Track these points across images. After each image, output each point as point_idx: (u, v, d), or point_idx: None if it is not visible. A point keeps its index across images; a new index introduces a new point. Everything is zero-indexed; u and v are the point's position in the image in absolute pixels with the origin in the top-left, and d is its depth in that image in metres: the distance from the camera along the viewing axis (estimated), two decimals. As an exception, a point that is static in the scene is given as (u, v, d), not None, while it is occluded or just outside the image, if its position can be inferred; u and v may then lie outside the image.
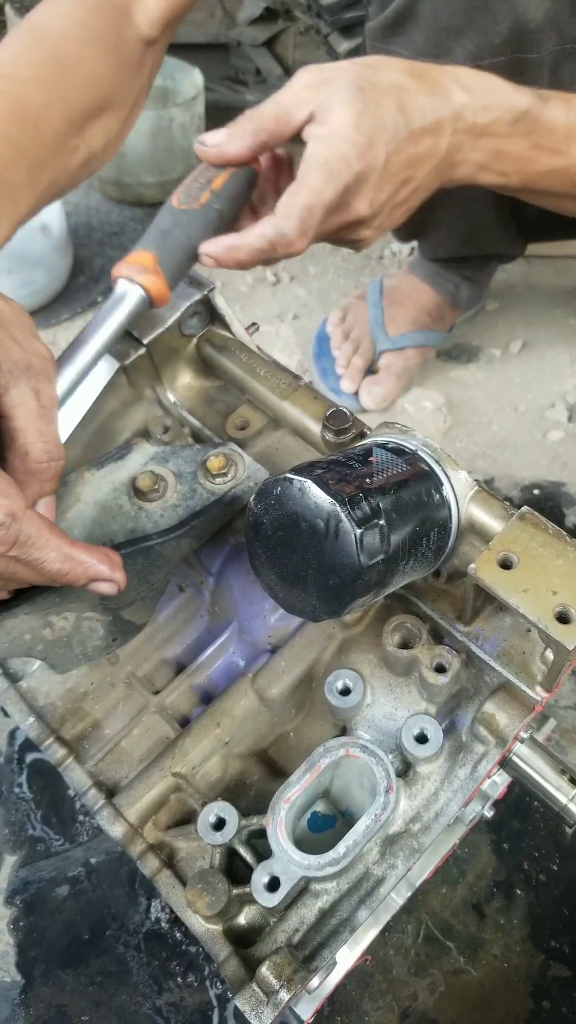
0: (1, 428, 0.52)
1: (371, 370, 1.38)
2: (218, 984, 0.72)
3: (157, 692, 0.68)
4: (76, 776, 0.63)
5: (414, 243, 1.70)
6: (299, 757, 0.64)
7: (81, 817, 0.82)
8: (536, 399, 1.41)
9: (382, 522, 0.51)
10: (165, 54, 0.86)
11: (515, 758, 0.64)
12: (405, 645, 0.60)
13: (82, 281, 1.52)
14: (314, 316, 1.53)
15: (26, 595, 0.56)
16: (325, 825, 0.63)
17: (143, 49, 0.79)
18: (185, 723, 0.66)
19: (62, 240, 1.42)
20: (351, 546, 0.49)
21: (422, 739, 0.58)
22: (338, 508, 0.49)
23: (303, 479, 0.50)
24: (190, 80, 1.68)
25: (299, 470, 0.51)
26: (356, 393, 1.36)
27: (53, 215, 1.38)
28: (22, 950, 0.74)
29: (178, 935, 0.74)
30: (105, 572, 0.53)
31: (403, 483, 0.54)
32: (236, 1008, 0.73)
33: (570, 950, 0.78)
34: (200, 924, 0.56)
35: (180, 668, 0.70)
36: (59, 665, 0.63)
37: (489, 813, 0.78)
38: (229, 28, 2.23)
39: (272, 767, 0.65)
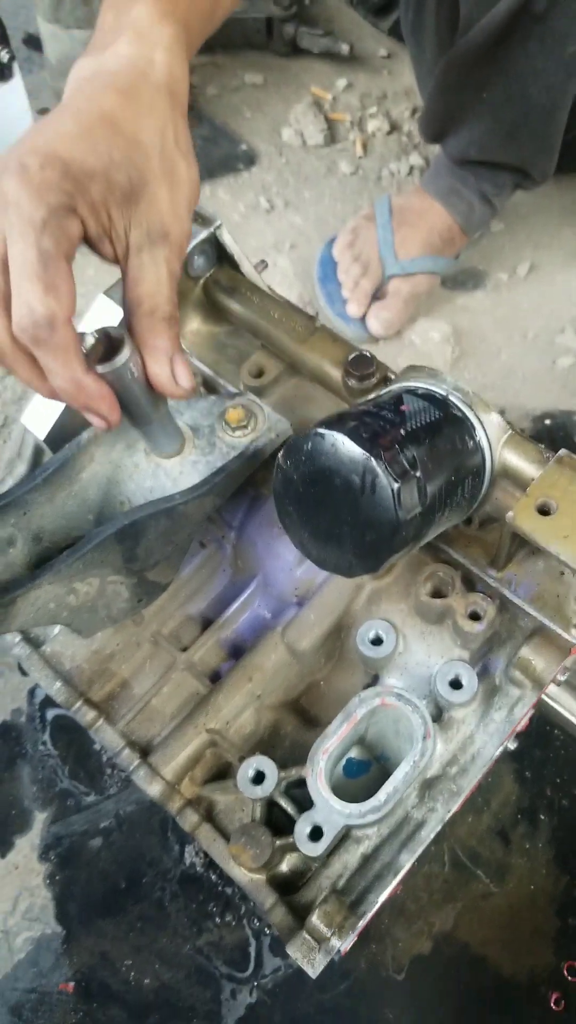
0: (127, 285, 0.54)
1: (376, 296, 1.33)
2: (255, 921, 0.74)
3: (184, 649, 0.67)
4: (108, 737, 0.63)
5: (415, 165, 1.63)
6: (331, 705, 0.64)
7: (109, 770, 0.83)
8: (546, 324, 1.37)
9: (418, 473, 0.49)
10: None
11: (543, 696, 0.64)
12: (438, 594, 0.59)
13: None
14: (312, 245, 1.47)
15: (49, 565, 0.55)
16: (360, 771, 0.63)
17: None
18: (215, 678, 0.66)
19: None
20: (388, 501, 0.47)
21: (456, 685, 0.58)
22: (373, 462, 0.47)
23: (335, 433, 0.48)
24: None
25: (329, 423, 0.49)
26: (363, 319, 1.32)
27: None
28: (60, 902, 0.76)
29: (213, 877, 0.76)
30: (103, 409, 0.51)
31: (436, 431, 0.52)
32: (272, 940, 0.75)
33: (594, 872, 0.81)
34: (244, 875, 0.57)
35: (205, 623, 0.69)
36: (84, 629, 0.62)
37: (513, 745, 0.79)
38: None
39: (304, 716, 0.65)
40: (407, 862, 0.55)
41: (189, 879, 0.76)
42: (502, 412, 1.27)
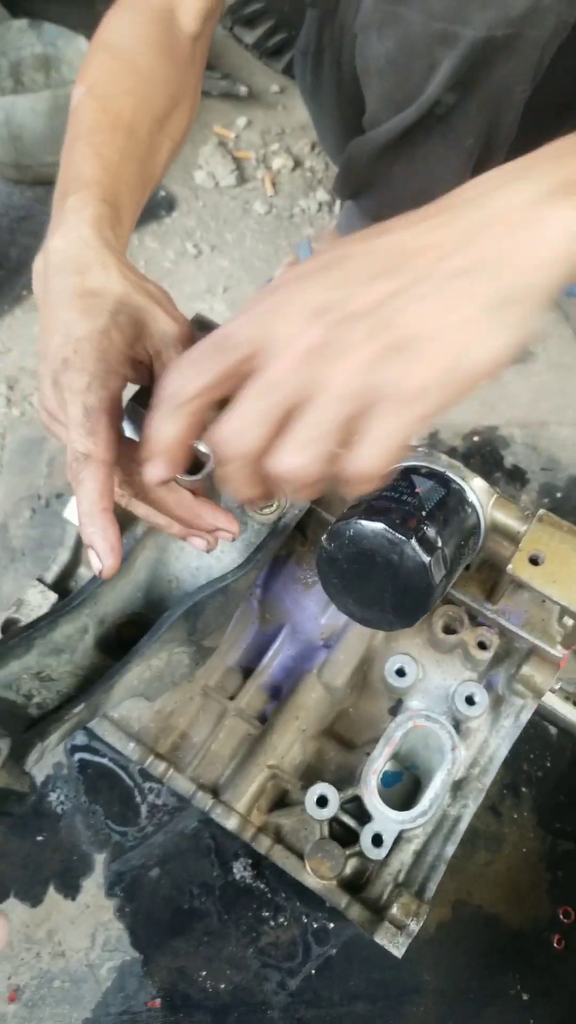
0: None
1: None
2: (303, 918, 0.86)
3: (231, 697, 0.77)
4: (181, 784, 0.73)
5: (324, 202, 1.74)
6: (362, 728, 0.76)
7: (144, 809, 0.92)
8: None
9: (440, 545, 0.61)
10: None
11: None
12: (449, 630, 0.72)
13: (3, 275, 1.50)
14: (242, 286, 1.57)
15: (135, 650, 0.64)
16: (394, 780, 0.76)
17: (191, 44, 0.84)
18: (262, 719, 0.77)
19: (-18, 240, 1.40)
20: (423, 573, 0.60)
21: (471, 701, 0.71)
22: (410, 545, 0.59)
23: (374, 523, 0.60)
24: (74, 48, 1.63)
25: (368, 513, 0.61)
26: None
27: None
28: (133, 931, 0.85)
29: (262, 887, 0.87)
30: (103, 549, 0.56)
31: (446, 506, 0.65)
32: (312, 931, 0.87)
33: (571, 828, 0.97)
34: (317, 882, 0.69)
35: (244, 671, 0.80)
36: (152, 695, 0.72)
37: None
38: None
39: (341, 740, 0.77)
40: (452, 851, 0.68)
41: (241, 891, 0.87)
42: (436, 432, 1.42)
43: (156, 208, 1.67)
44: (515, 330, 0.46)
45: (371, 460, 0.46)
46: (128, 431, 0.63)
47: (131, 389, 0.66)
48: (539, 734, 1.04)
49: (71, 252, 0.63)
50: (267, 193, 1.75)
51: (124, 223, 0.70)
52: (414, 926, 0.64)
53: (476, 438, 1.40)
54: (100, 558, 0.57)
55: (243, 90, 1.91)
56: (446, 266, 0.46)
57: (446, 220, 0.48)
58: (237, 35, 1.87)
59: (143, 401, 0.68)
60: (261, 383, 0.46)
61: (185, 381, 0.49)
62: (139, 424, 0.62)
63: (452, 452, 1.39)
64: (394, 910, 0.64)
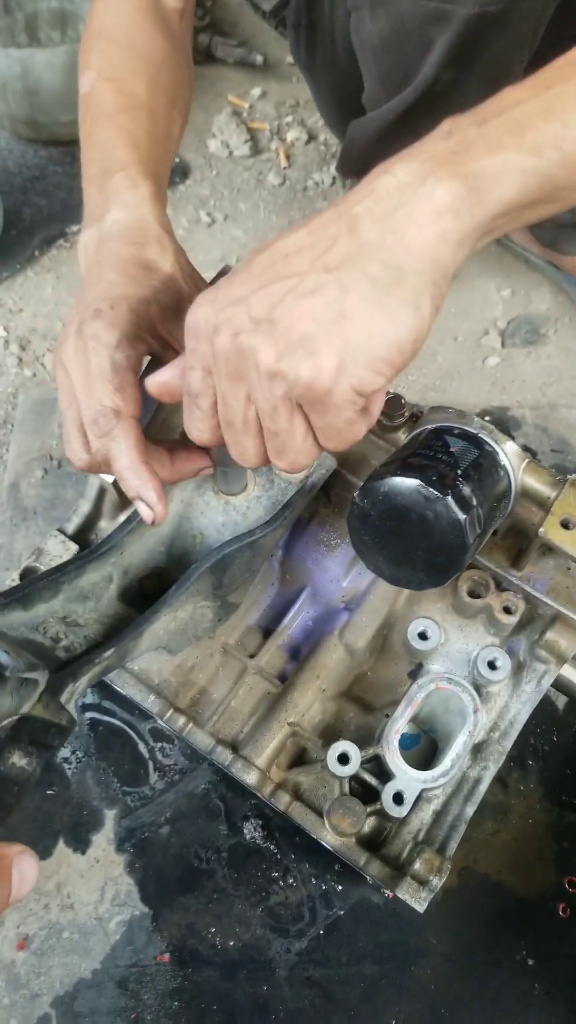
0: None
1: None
2: (312, 880, 0.86)
3: (251, 655, 0.77)
4: (200, 738, 0.73)
5: (338, 177, 1.73)
6: (381, 691, 0.77)
7: (154, 771, 0.92)
8: (472, 328, 1.53)
9: (475, 503, 0.61)
10: None
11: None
12: (474, 594, 0.72)
13: (15, 235, 1.48)
14: (255, 257, 1.56)
15: (163, 600, 0.64)
16: (412, 742, 0.77)
17: (179, 19, 0.85)
18: (282, 678, 0.77)
19: (-4, 197, 1.38)
20: (459, 530, 0.59)
21: (493, 666, 0.71)
22: (447, 501, 0.59)
23: (410, 479, 0.60)
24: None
25: (404, 470, 0.61)
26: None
27: (-15, 172, 1.33)
28: (143, 887, 0.85)
29: (272, 848, 0.87)
30: (152, 498, 0.58)
31: (479, 466, 0.65)
32: (321, 892, 0.88)
33: None
34: (336, 839, 0.69)
35: (263, 631, 0.80)
36: (175, 649, 0.72)
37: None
38: None
39: (360, 702, 0.77)
40: (471, 811, 0.69)
41: (251, 852, 0.87)
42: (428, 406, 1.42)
43: (170, 175, 1.65)
44: (410, 311, 0.47)
45: (328, 445, 0.52)
46: None
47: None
48: (546, 708, 1.05)
49: (131, 224, 0.65)
50: (281, 165, 1.74)
51: (163, 201, 0.72)
52: (436, 882, 0.64)
53: (487, 418, 1.40)
54: (151, 506, 0.58)
55: (258, 59, 1.89)
56: (325, 260, 0.48)
57: (326, 219, 0.50)
58: (253, 2, 1.85)
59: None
60: (221, 412, 0.53)
61: (199, 434, 0.56)
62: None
63: (462, 430, 1.39)
64: (417, 866, 0.65)
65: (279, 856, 0.87)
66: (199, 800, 0.89)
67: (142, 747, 0.94)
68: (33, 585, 0.61)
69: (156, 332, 0.62)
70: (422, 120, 1.08)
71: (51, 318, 1.39)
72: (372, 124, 1.13)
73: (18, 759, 0.46)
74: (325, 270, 0.47)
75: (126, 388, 0.58)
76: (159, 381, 0.57)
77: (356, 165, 1.30)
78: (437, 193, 0.47)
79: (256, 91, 1.87)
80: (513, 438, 1.40)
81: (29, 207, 1.53)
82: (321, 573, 0.78)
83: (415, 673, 0.75)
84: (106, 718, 0.95)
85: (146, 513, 0.58)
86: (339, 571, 0.78)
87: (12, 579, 0.78)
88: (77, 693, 0.58)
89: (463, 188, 0.47)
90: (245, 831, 0.88)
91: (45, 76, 1.48)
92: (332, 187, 1.71)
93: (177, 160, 1.68)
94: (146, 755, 0.93)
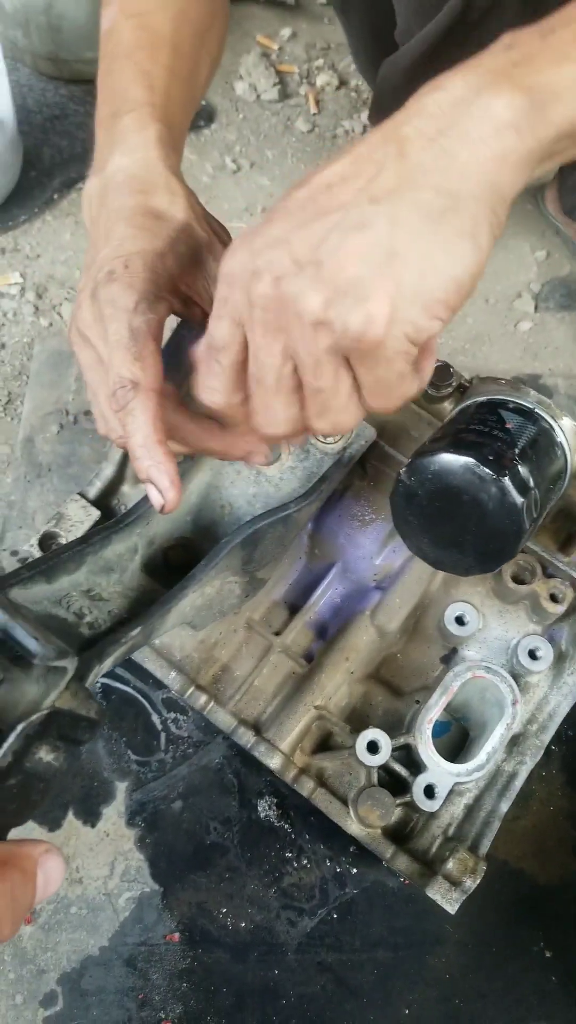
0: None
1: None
2: (326, 862, 0.84)
3: (277, 633, 0.74)
4: (221, 717, 0.70)
5: (370, 125, 1.65)
6: (411, 675, 0.73)
7: (165, 743, 0.89)
8: (504, 290, 1.46)
9: (532, 485, 0.57)
10: None
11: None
12: (519, 580, 0.68)
13: (34, 176, 1.41)
14: (282, 209, 1.49)
15: (192, 575, 0.60)
16: (443, 730, 0.73)
17: None
18: (308, 657, 0.73)
19: (14, 135, 1.30)
20: (517, 515, 0.55)
21: (534, 656, 0.67)
22: (504, 483, 0.54)
23: (464, 457, 0.55)
24: None
25: (456, 446, 0.56)
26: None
27: (4, 109, 1.26)
28: (153, 863, 0.83)
29: (287, 827, 0.85)
30: (164, 483, 0.52)
31: (536, 445, 0.60)
32: (335, 874, 0.85)
33: (597, 789, 0.95)
34: (361, 830, 0.66)
35: (290, 607, 0.76)
36: (199, 625, 0.68)
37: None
38: None
39: (388, 686, 0.73)
40: (506, 808, 0.65)
41: (265, 830, 0.84)
42: (474, 378, 1.36)
43: (195, 117, 1.56)
44: (467, 242, 0.42)
45: (376, 403, 0.46)
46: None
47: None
48: (570, 693, 1.01)
49: (136, 171, 0.59)
50: (310, 111, 1.65)
51: (178, 145, 0.66)
52: (470, 883, 0.61)
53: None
54: (162, 493, 0.52)
55: (291, -3, 1.79)
56: (371, 189, 0.43)
57: (371, 143, 0.44)
58: None
59: (182, 335, 0.65)
60: (251, 370, 0.47)
61: (211, 395, 0.50)
62: (177, 358, 0.57)
63: (491, 400, 1.34)
64: (449, 866, 0.61)
65: (293, 836, 0.85)
66: (213, 775, 0.87)
67: (155, 718, 0.91)
68: (57, 557, 0.57)
69: (176, 288, 0.57)
70: (456, 54, 1.02)
71: (69, 265, 1.33)
72: (404, 58, 1.07)
73: (45, 754, 0.43)
74: (371, 201, 0.42)
75: (145, 357, 0.53)
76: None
77: (390, 108, 1.23)
78: (496, 107, 0.42)
79: (286, 32, 1.78)
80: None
81: (49, 147, 1.45)
82: (353, 549, 0.74)
83: (448, 658, 0.72)
84: (119, 685, 0.92)
85: (155, 499, 0.52)
86: (372, 548, 0.73)
87: (31, 544, 0.74)
88: (100, 674, 0.54)
89: (525, 102, 0.42)
90: (259, 809, 0.85)
91: (69, 10, 1.39)
92: (363, 135, 1.63)
93: (203, 103, 1.59)
94: (159, 726, 0.90)
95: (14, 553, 1.03)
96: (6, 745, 0.41)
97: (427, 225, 0.41)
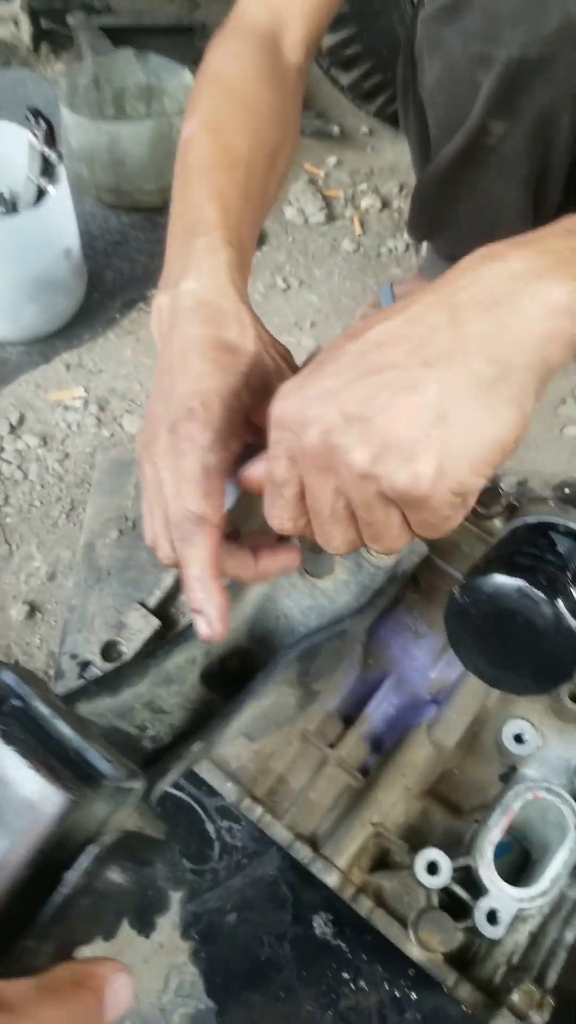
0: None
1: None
2: (385, 985, 0.82)
3: (331, 745, 0.74)
4: (277, 831, 0.70)
5: (411, 243, 1.74)
6: (470, 792, 0.73)
7: (218, 848, 0.89)
8: (549, 396, 1.50)
9: (585, 609, 0.58)
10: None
11: None
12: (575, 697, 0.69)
13: (97, 298, 1.52)
14: (330, 322, 1.57)
15: (249, 688, 0.62)
16: (503, 852, 0.72)
17: (296, 77, 0.82)
18: (363, 771, 0.74)
19: (79, 261, 1.41)
20: (571, 638, 0.56)
21: (595, 776, 0.67)
22: (558, 607, 0.56)
23: (517, 580, 0.57)
24: (178, 80, 1.66)
25: (511, 568, 0.58)
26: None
27: (72, 237, 1.37)
28: (208, 978, 0.81)
29: (343, 945, 0.83)
30: (212, 615, 0.55)
31: (589, 568, 0.62)
32: (393, 999, 0.83)
33: None
34: (422, 953, 0.65)
35: (344, 718, 0.77)
36: (255, 735, 0.69)
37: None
38: (192, 11, 2.18)
39: (447, 803, 0.73)
40: (572, 938, 0.64)
41: (321, 948, 0.83)
42: (524, 482, 1.39)
43: (249, 240, 1.68)
44: (514, 409, 0.44)
45: (424, 534, 0.49)
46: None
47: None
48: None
49: (206, 298, 0.61)
50: (355, 232, 1.76)
51: (247, 268, 0.69)
52: (538, 1019, 0.60)
53: (567, 490, 1.36)
54: (210, 625, 0.55)
55: (335, 130, 1.94)
56: (424, 354, 0.45)
57: (425, 305, 0.47)
58: (333, 76, 1.90)
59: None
60: (309, 502, 0.51)
61: (281, 523, 0.53)
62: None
63: (537, 503, 1.35)
64: (515, 997, 0.60)
65: (350, 955, 0.83)
66: (267, 888, 0.86)
67: (209, 826, 0.91)
68: (120, 672, 0.60)
69: (249, 422, 0.60)
70: (479, 173, 1.10)
71: (129, 379, 1.41)
72: (433, 174, 1.15)
73: (116, 875, 0.44)
74: (424, 365, 0.45)
75: (213, 494, 0.56)
76: (252, 475, 0.55)
77: (425, 221, 1.30)
78: (555, 292, 0.44)
79: (332, 160, 1.91)
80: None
81: (111, 271, 1.57)
82: (407, 661, 0.75)
83: (507, 776, 0.71)
84: (173, 791, 0.93)
85: (203, 631, 0.55)
86: (427, 660, 0.75)
87: (92, 653, 0.77)
88: (162, 790, 0.56)
89: None
90: (315, 925, 0.84)
91: (131, 148, 1.53)
92: (405, 253, 1.72)
93: (255, 226, 1.71)
94: (213, 835, 0.90)
95: (73, 656, 1.07)
96: (80, 867, 0.43)
97: (476, 392, 0.44)
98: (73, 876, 0.39)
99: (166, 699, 0.64)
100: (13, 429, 1.33)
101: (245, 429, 0.60)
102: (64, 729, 0.41)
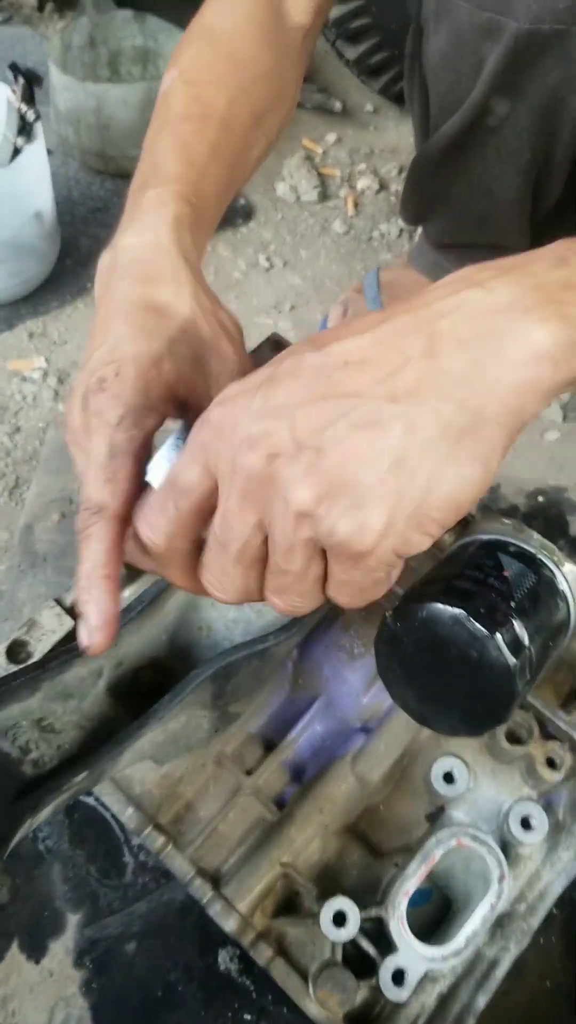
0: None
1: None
2: (292, 1028, 0.75)
3: (248, 772, 0.67)
4: (178, 865, 0.64)
5: (405, 228, 1.67)
6: (393, 832, 0.66)
7: (133, 866, 0.83)
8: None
9: (527, 644, 0.51)
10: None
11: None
12: (514, 738, 0.62)
13: (69, 265, 1.43)
14: (311, 307, 1.49)
15: (153, 711, 0.55)
16: (422, 899, 0.66)
17: (300, 37, 0.78)
18: (279, 803, 0.67)
19: (52, 225, 1.33)
20: (508, 679, 0.49)
21: (527, 825, 0.60)
22: (495, 641, 0.49)
23: (454, 608, 0.50)
24: (175, 43, 1.57)
25: (448, 594, 0.51)
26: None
27: (45, 200, 1.29)
28: (97, 1013, 0.75)
29: (248, 983, 0.77)
30: (92, 623, 0.47)
31: (537, 598, 0.54)
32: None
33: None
34: (320, 1012, 0.58)
35: (265, 741, 0.70)
36: (162, 759, 0.62)
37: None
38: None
39: (366, 842, 0.66)
40: (484, 1003, 0.57)
41: (224, 985, 0.76)
42: (497, 487, 1.32)
43: (234, 216, 1.60)
44: (478, 465, 0.39)
45: (341, 599, 0.44)
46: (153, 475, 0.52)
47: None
48: None
49: (143, 255, 0.56)
50: (348, 213, 1.68)
51: (205, 227, 0.62)
52: None
53: (540, 498, 1.29)
54: (88, 633, 0.47)
55: (337, 105, 1.85)
56: (392, 385, 0.39)
57: (400, 326, 0.41)
58: (339, 49, 1.81)
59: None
60: (215, 529, 0.43)
61: (152, 533, 0.45)
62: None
63: (512, 511, 1.29)
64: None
65: (255, 994, 0.76)
66: (175, 916, 0.79)
67: (121, 841, 0.84)
68: (8, 685, 0.53)
69: (172, 393, 0.53)
70: (476, 155, 1.03)
71: (91, 352, 1.34)
72: (429, 153, 1.09)
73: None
74: (390, 399, 0.39)
75: (119, 479, 0.49)
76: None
77: (418, 203, 1.24)
78: (537, 335, 0.39)
79: (331, 136, 1.83)
80: (568, 524, 1.29)
81: (87, 237, 1.48)
82: (338, 684, 0.68)
83: (435, 816, 0.65)
84: (86, 800, 0.86)
85: (81, 638, 0.47)
86: (359, 685, 0.68)
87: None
88: (33, 827, 0.49)
89: (570, 336, 0.39)
90: (220, 960, 0.77)
91: (118, 111, 1.45)
92: (398, 239, 1.65)
93: (243, 201, 1.63)
94: (125, 852, 0.83)
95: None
96: None
97: (442, 441, 0.38)
98: None
99: (60, 716, 0.56)
100: (-37, 396, 1.26)
101: (166, 403, 0.53)
102: None
